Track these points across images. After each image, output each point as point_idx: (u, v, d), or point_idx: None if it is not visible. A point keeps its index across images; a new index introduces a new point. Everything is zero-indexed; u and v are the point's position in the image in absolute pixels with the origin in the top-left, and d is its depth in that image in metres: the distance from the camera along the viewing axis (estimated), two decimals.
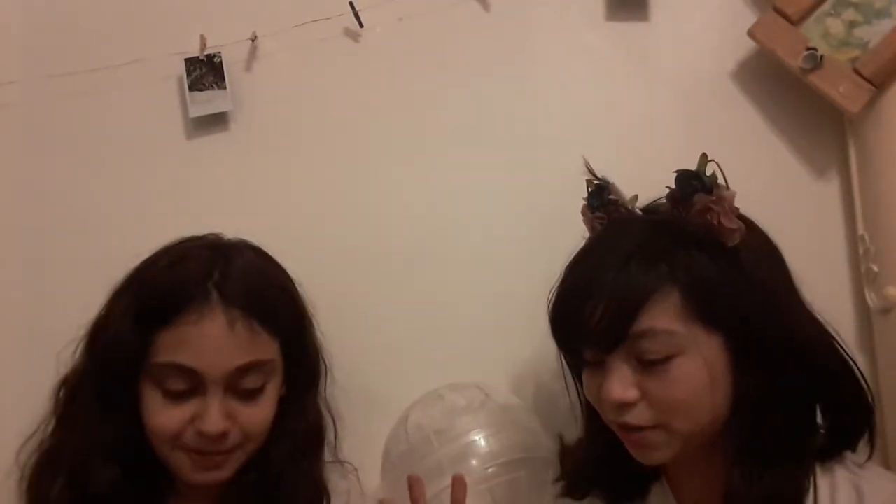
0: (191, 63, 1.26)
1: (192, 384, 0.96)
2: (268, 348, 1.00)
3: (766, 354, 0.86)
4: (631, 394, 0.87)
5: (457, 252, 1.24)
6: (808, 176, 1.21)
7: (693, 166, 0.93)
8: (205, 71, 1.26)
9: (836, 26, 1.14)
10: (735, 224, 0.87)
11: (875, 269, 1.11)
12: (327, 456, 1.09)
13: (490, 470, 1.05)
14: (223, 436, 0.96)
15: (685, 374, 0.85)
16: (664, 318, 0.86)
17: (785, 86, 1.20)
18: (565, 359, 1.01)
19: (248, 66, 1.29)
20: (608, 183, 0.99)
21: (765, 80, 1.22)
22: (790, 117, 1.22)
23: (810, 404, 0.90)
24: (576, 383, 1.02)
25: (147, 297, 0.99)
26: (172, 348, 0.96)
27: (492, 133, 1.26)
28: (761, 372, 0.86)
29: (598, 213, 0.99)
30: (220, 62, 1.26)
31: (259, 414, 0.99)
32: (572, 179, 1.22)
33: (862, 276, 1.15)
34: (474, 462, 1.05)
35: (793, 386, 0.86)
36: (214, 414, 0.95)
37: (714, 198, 0.88)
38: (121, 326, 0.99)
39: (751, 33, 1.18)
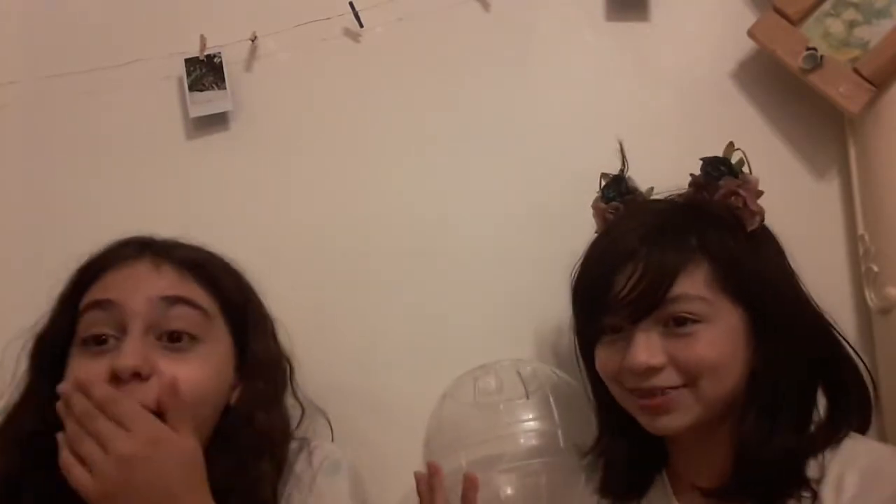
0: (191, 63, 1.26)
1: (113, 326, 0.88)
2: (201, 297, 0.93)
3: (778, 331, 0.91)
4: (658, 358, 0.90)
5: (457, 251, 1.24)
6: (808, 176, 1.21)
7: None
8: (205, 71, 1.26)
9: (836, 26, 1.14)
10: (759, 208, 0.95)
11: (875, 269, 1.11)
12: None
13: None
14: (137, 377, 0.85)
15: (712, 339, 0.89)
16: (696, 285, 0.90)
17: (785, 86, 1.20)
18: (581, 336, 1.02)
19: (248, 66, 1.29)
20: (626, 174, 1.04)
21: (765, 80, 1.22)
22: (790, 117, 1.22)
23: (814, 380, 0.94)
24: (586, 370, 1.04)
25: (78, 272, 0.96)
26: (95, 291, 0.92)
27: (492, 133, 1.26)
28: (773, 347, 0.91)
29: (613, 204, 1.03)
30: (220, 62, 1.26)
31: (187, 371, 0.88)
32: (572, 178, 1.23)
33: (862, 276, 1.15)
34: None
35: (800, 361, 0.92)
36: (129, 347, 0.86)
37: (740, 182, 0.95)
38: (53, 314, 0.96)
39: (751, 33, 1.18)
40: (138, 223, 1.25)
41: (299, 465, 0.99)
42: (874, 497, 0.83)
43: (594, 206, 1.07)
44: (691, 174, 1.00)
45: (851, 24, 1.13)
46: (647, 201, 1.03)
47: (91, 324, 0.90)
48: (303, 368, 1.10)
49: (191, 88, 1.26)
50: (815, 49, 1.12)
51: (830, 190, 1.21)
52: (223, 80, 1.26)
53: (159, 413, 0.84)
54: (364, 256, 1.24)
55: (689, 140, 1.21)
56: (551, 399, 1.06)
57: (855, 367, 0.96)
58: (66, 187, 1.29)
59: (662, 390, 0.90)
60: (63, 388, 0.83)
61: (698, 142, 1.21)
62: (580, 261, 1.01)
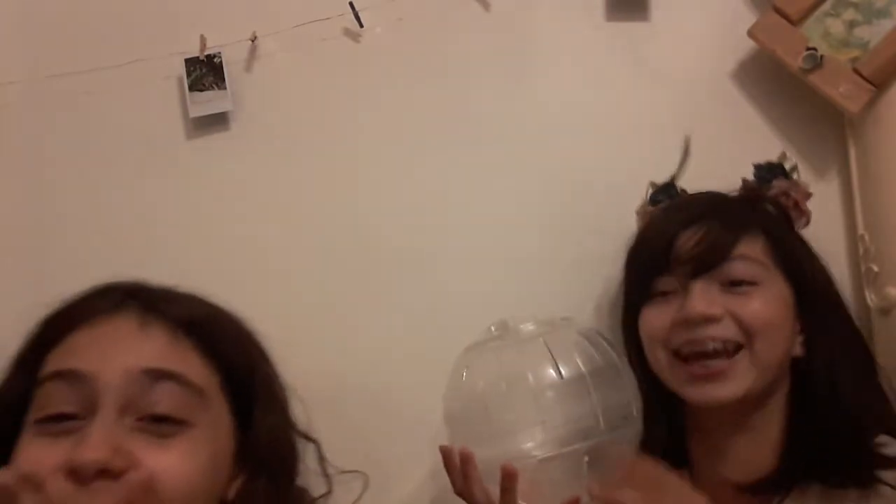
0: (191, 63, 1.26)
1: (79, 403, 0.69)
2: (197, 369, 0.75)
3: (821, 318, 0.96)
4: (717, 308, 0.92)
5: (457, 251, 1.24)
6: (809, 176, 1.21)
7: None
8: (205, 71, 1.26)
9: (836, 26, 1.14)
10: (807, 210, 1.03)
11: (875, 269, 1.11)
12: None
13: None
14: (106, 474, 0.66)
15: (768, 300, 0.94)
16: (755, 250, 0.96)
17: (785, 86, 1.20)
18: (630, 299, 1.03)
19: (248, 66, 1.29)
20: (675, 180, 1.10)
21: (765, 80, 1.22)
22: (790, 117, 1.22)
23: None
24: (627, 346, 1.04)
25: (41, 327, 0.77)
26: (57, 358, 0.73)
27: (492, 132, 1.26)
28: (816, 331, 0.96)
29: (661, 205, 1.07)
30: (220, 62, 1.26)
31: (172, 463, 0.69)
32: (572, 178, 1.23)
33: (862, 276, 1.15)
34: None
35: (843, 346, 0.97)
36: (97, 433, 0.67)
37: (792, 183, 1.04)
38: (6, 379, 0.77)
39: (751, 33, 1.18)
40: (138, 223, 1.26)
41: None
42: None
43: (640, 211, 1.10)
44: (743, 178, 1.06)
45: (851, 24, 1.13)
46: (702, 192, 1.06)
47: (51, 399, 0.70)
48: (302, 368, 1.09)
49: (191, 88, 1.26)
50: (815, 49, 1.12)
51: (830, 190, 1.21)
52: (223, 80, 1.25)
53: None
54: (363, 256, 1.24)
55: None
56: (587, 377, 0.94)
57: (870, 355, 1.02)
58: (66, 187, 1.29)
59: (717, 343, 0.91)
60: (4, 479, 0.64)
61: (698, 141, 1.21)
62: (639, 229, 1.05)
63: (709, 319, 0.92)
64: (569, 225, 1.21)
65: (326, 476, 0.91)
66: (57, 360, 0.73)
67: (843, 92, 1.12)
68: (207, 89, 1.26)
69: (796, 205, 1.02)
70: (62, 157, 1.29)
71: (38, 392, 0.72)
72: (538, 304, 1.20)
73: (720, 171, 1.17)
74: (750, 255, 0.95)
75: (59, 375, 0.71)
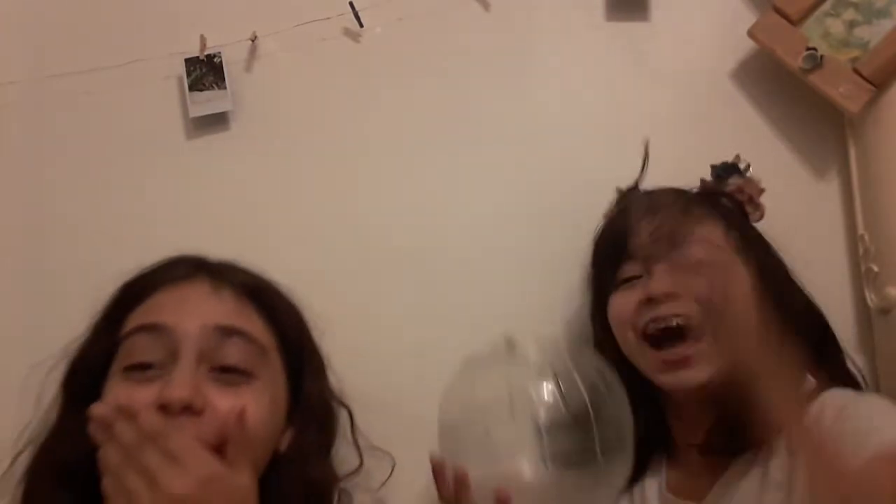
0: (191, 63, 1.26)
1: (162, 352, 0.80)
2: (259, 328, 0.86)
3: (777, 303, 0.98)
4: (679, 287, 0.96)
5: (456, 251, 1.23)
6: (808, 176, 1.21)
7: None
8: (205, 71, 1.26)
9: (836, 26, 1.14)
10: (762, 204, 1.07)
11: (875, 269, 1.11)
12: None
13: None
14: (189, 410, 0.77)
15: (730, 279, 0.97)
16: (715, 235, 1.00)
17: (785, 86, 1.20)
18: (597, 288, 1.07)
19: (248, 66, 1.29)
20: (639, 184, 1.12)
21: (765, 80, 1.22)
22: (790, 117, 1.22)
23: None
24: (597, 335, 1.07)
25: (121, 290, 0.88)
26: (143, 315, 0.83)
27: (492, 132, 1.26)
28: (776, 309, 0.97)
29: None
30: (220, 62, 1.26)
31: (237, 408, 0.79)
32: (572, 178, 1.23)
33: (862, 276, 1.15)
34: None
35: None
36: (181, 376, 0.78)
37: (747, 180, 1.08)
38: (91, 336, 0.87)
39: (751, 33, 1.18)
40: (138, 223, 1.26)
41: None
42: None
43: (606, 216, 1.12)
44: (701, 178, 1.09)
45: (851, 24, 1.13)
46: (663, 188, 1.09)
47: (136, 349, 0.81)
48: None
49: (191, 88, 1.26)
50: (815, 49, 1.12)
51: (830, 190, 1.21)
52: (223, 80, 1.25)
53: (214, 451, 0.76)
54: (363, 256, 1.24)
55: (689, 140, 1.22)
56: (589, 405, 0.94)
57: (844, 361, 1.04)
58: (66, 187, 1.29)
59: (679, 318, 0.95)
60: (101, 410, 0.73)
61: (698, 142, 1.21)
62: (603, 226, 1.08)
63: (670, 296, 0.96)
64: (568, 224, 1.21)
65: (358, 447, 1.00)
66: (140, 317, 0.83)
67: (843, 92, 1.12)
68: (207, 89, 1.26)
69: (751, 199, 1.07)
70: (62, 157, 1.30)
71: (124, 344, 0.82)
72: (536, 304, 1.20)
73: None
74: (711, 239, 0.99)
75: (144, 328, 0.82)
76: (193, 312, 0.83)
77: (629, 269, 1.01)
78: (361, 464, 1.01)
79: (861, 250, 1.15)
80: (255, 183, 1.27)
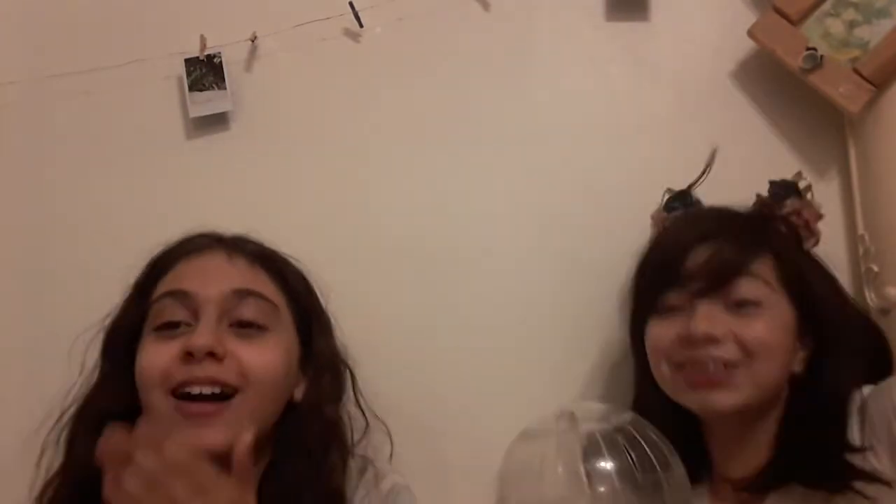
0: (191, 63, 1.26)
1: (186, 313, 0.91)
2: (271, 290, 0.96)
3: (826, 341, 0.96)
4: (720, 329, 0.93)
5: (456, 251, 1.23)
6: (808, 176, 1.21)
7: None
8: (205, 71, 1.26)
9: (836, 26, 1.14)
10: (818, 231, 1.04)
11: (875, 269, 1.11)
12: None
13: None
14: (212, 356, 0.87)
15: (771, 323, 0.94)
16: (765, 272, 0.96)
17: (785, 86, 1.20)
18: (637, 314, 1.04)
19: (248, 66, 1.29)
20: (692, 189, 1.10)
21: (765, 80, 1.22)
22: (790, 117, 1.22)
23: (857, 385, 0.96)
24: (635, 359, 1.05)
25: (151, 263, 0.99)
26: (169, 282, 0.94)
27: (491, 132, 1.26)
28: (819, 354, 0.96)
29: (676, 213, 1.07)
30: (220, 62, 1.26)
31: (257, 354, 0.90)
32: (572, 177, 1.23)
33: (862, 276, 1.15)
34: None
35: (843, 373, 0.95)
36: (203, 329, 0.88)
37: (805, 203, 1.04)
38: (126, 303, 0.98)
39: (751, 33, 1.18)
40: (139, 223, 1.26)
41: (363, 489, 0.98)
42: None
43: (654, 217, 1.10)
44: (757, 194, 1.06)
45: (851, 24, 1.13)
46: (716, 206, 1.06)
47: (164, 311, 0.92)
48: None
49: (191, 88, 1.26)
50: (815, 49, 1.12)
51: (830, 190, 1.21)
52: (223, 80, 1.25)
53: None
54: (363, 255, 1.24)
55: (688, 140, 1.22)
56: (639, 481, 0.94)
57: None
58: (66, 187, 1.29)
59: (716, 364, 0.93)
60: (114, 442, 0.79)
61: (698, 142, 1.21)
62: (651, 240, 1.05)
63: (711, 340, 0.93)
64: (567, 224, 1.21)
65: (361, 409, 1.07)
66: (166, 284, 0.94)
67: (843, 92, 1.12)
68: (207, 89, 1.26)
69: (807, 225, 1.03)
70: (62, 157, 1.30)
71: (154, 308, 0.93)
72: (535, 303, 1.20)
73: (720, 171, 1.17)
74: (760, 276, 0.96)
75: (171, 294, 0.92)
76: (212, 279, 0.93)
77: (673, 298, 0.98)
78: (368, 425, 1.07)
79: (861, 250, 1.15)
80: (255, 183, 1.27)
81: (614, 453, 0.92)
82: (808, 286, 0.98)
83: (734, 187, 1.12)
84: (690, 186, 1.10)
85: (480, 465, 1.15)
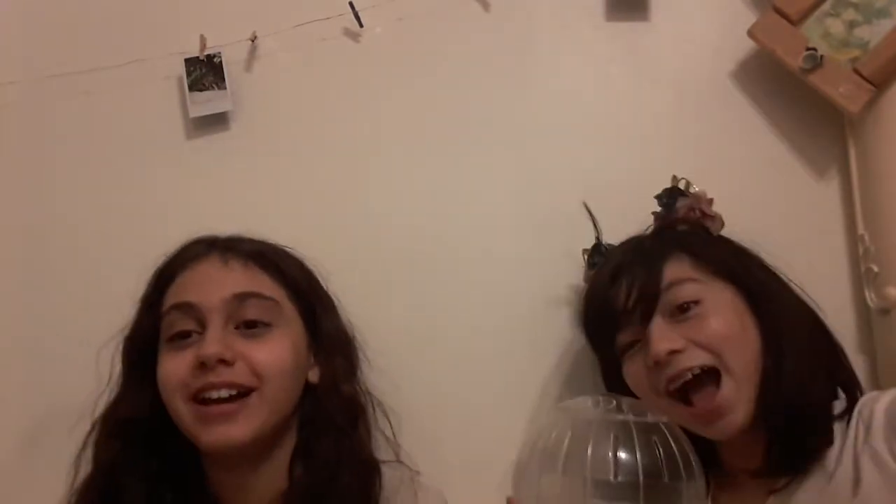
0: (191, 63, 1.26)
1: (194, 323, 0.95)
2: (269, 287, 1.00)
3: (769, 302, 0.98)
4: (678, 342, 0.94)
5: (456, 251, 1.23)
6: (808, 176, 1.21)
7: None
8: (205, 71, 1.26)
9: (836, 26, 1.14)
10: (716, 213, 1.05)
11: (875, 269, 1.11)
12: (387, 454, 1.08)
13: None
14: (223, 363, 0.93)
15: (717, 314, 0.95)
16: (684, 270, 0.98)
17: (785, 86, 1.20)
18: (607, 368, 1.07)
19: (248, 66, 1.29)
20: (600, 240, 1.15)
21: (765, 80, 1.22)
22: (790, 117, 1.22)
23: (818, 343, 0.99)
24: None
25: (156, 275, 1.03)
26: (174, 294, 0.99)
27: (491, 132, 1.26)
28: (770, 317, 0.97)
29: (597, 266, 1.10)
30: (220, 62, 1.26)
31: (266, 352, 0.96)
32: (572, 178, 1.23)
33: (862, 276, 1.15)
34: None
35: (798, 325, 0.98)
36: (211, 338, 0.93)
37: (691, 197, 1.07)
38: (138, 316, 1.02)
39: (751, 33, 1.18)
40: (139, 223, 1.26)
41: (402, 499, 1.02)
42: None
43: (586, 281, 1.13)
44: (652, 213, 1.10)
45: (851, 24, 1.13)
46: (624, 241, 1.09)
47: (174, 324, 0.97)
48: None
49: (191, 88, 1.26)
50: (815, 49, 1.12)
51: (830, 190, 1.21)
52: (223, 80, 1.26)
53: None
54: (363, 255, 1.24)
55: (688, 140, 1.22)
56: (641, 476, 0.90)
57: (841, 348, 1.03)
58: (66, 187, 1.29)
59: (694, 370, 0.93)
60: None
61: (698, 142, 1.21)
62: (581, 306, 1.09)
63: (674, 353, 0.94)
64: (567, 224, 1.21)
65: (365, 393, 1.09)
66: (172, 297, 0.99)
67: (843, 92, 1.12)
68: (207, 89, 1.26)
69: (704, 214, 1.06)
70: (62, 157, 1.30)
71: (165, 321, 0.98)
72: (535, 303, 1.20)
73: (720, 171, 1.17)
74: (681, 277, 0.97)
75: (177, 307, 0.97)
76: (212, 287, 0.97)
77: (624, 338, 1.00)
78: (373, 404, 1.10)
79: (861, 250, 1.15)
80: (255, 183, 1.27)
81: (646, 449, 0.90)
82: (729, 262, 1.00)
83: (734, 187, 1.13)
84: (598, 239, 1.15)
85: (481, 465, 1.15)
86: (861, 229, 1.15)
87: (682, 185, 1.09)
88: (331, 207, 1.26)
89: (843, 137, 1.19)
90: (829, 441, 0.92)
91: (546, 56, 1.27)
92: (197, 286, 0.98)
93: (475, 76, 1.27)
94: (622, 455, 0.90)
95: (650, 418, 0.94)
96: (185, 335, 0.96)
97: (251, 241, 1.05)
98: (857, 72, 1.11)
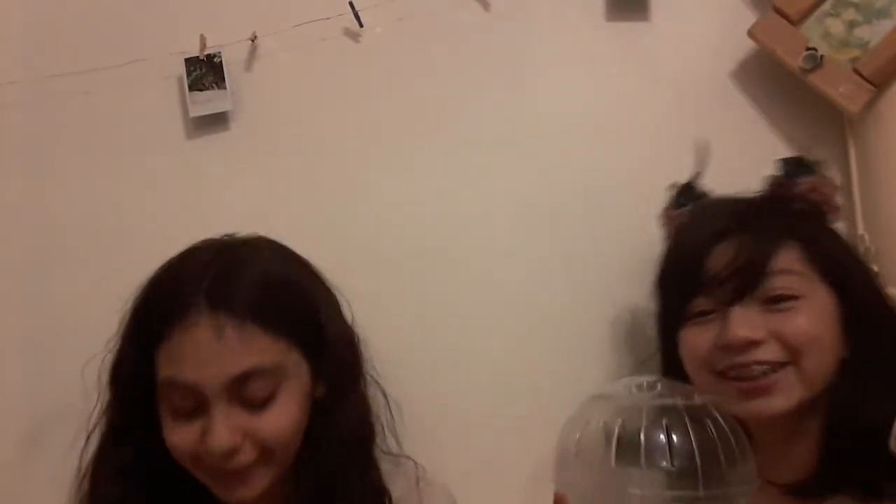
0: (191, 63, 1.26)
1: (196, 400, 0.90)
2: (270, 352, 0.92)
3: (863, 318, 0.92)
4: (759, 332, 0.89)
5: (456, 251, 1.24)
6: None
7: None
8: (205, 71, 1.26)
9: (836, 26, 1.14)
10: (838, 204, 0.98)
11: (875, 269, 1.11)
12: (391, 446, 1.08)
13: None
14: (234, 452, 0.90)
15: (812, 313, 0.90)
16: (792, 262, 0.91)
17: (785, 86, 1.20)
18: (665, 321, 1.00)
19: (248, 66, 1.29)
20: (695, 182, 1.05)
21: (765, 80, 1.22)
22: (790, 117, 1.22)
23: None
24: (664, 364, 1.01)
25: (143, 315, 0.96)
26: (169, 363, 0.91)
27: (491, 133, 1.26)
28: (861, 333, 0.91)
29: (685, 209, 1.02)
30: (220, 62, 1.26)
31: (273, 423, 0.91)
32: (572, 178, 1.23)
33: None
34: None
35: (888, 346, 0.91)
36: (218, 430, 0.89)
37: (819, 179, 0.98)
38: (125, 350, 0.97)
39: (751, 33, 1.18)
40: (139, 222, 1.26)
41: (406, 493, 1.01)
42: None
43: (665, 215, 1.05)
44: (768, 176, 1.00)
45: (851, 24, 1.13)
46: (730, 195, 1.01)
47: (174, 399, 0.92)
48: None
49: (191, 88, 1.26)
50: (815, 49, 1.12)
51: None
52: (223, 79, 1.26)
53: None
54: (363, 255, 1.24)
55: (688, 140, 1.22)
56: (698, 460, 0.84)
57: None
58: (66, 187, 1.29)
59: (763, 367, 0.89)
60: None
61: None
62: (667, 244, 1.01)
63: (751, 344, 0.89)
64: (567, 224, 1.21)
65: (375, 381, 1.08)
66: (166, 364, 0.91)
67: (843, 92, 1.12)
68: (207, 89, 1.26)
69: (826, 200, 0.97)
70: (62, 157, 1.30)
71: (162, 390, 0.92)
72: (534, 303, 1.20)
73: (720, 171, 1.17)
74: (788, 269, 0.91)
75: (173, 385, 0.91)
76: (208, 368, 0.90)
77: (701, 304, 0.93)
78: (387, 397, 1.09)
79: (861, 250, 1.15)
80: (255, 183, 1.27)
81: (700, 433, 0.83)
82: (840, 268, 0.93)
83: (734, 187, 1.12)
84: (694, 178, 1.06)
85: (482, 465, 1.15)
86: (861, 229, 1.15)
87: (812, 161, 1.00)
88: (331, 207, 1.26)
89: (843, 137, 1.19)
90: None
91: (546, 56, 1.27)
92: (192, 361, 0.90)
93: (475, 76, 1.27)
94: (676, 440, 0.84)
95: (697, 399, 0.87)
96: (186, 410, 0.92)
97: (243, 284, 0.94)
98: (857, 72, 1.11)
